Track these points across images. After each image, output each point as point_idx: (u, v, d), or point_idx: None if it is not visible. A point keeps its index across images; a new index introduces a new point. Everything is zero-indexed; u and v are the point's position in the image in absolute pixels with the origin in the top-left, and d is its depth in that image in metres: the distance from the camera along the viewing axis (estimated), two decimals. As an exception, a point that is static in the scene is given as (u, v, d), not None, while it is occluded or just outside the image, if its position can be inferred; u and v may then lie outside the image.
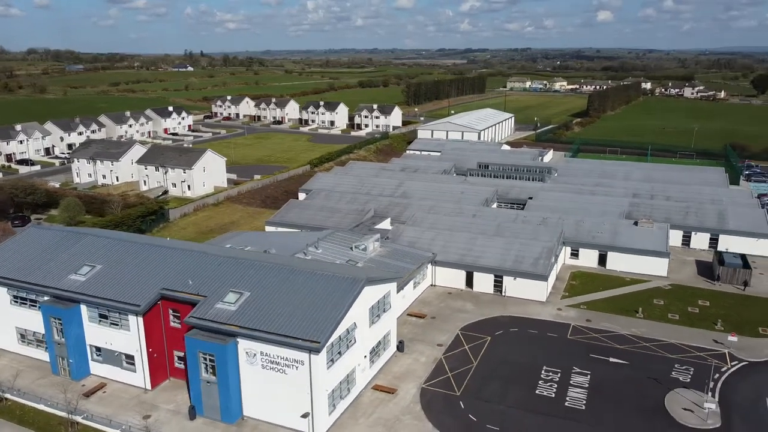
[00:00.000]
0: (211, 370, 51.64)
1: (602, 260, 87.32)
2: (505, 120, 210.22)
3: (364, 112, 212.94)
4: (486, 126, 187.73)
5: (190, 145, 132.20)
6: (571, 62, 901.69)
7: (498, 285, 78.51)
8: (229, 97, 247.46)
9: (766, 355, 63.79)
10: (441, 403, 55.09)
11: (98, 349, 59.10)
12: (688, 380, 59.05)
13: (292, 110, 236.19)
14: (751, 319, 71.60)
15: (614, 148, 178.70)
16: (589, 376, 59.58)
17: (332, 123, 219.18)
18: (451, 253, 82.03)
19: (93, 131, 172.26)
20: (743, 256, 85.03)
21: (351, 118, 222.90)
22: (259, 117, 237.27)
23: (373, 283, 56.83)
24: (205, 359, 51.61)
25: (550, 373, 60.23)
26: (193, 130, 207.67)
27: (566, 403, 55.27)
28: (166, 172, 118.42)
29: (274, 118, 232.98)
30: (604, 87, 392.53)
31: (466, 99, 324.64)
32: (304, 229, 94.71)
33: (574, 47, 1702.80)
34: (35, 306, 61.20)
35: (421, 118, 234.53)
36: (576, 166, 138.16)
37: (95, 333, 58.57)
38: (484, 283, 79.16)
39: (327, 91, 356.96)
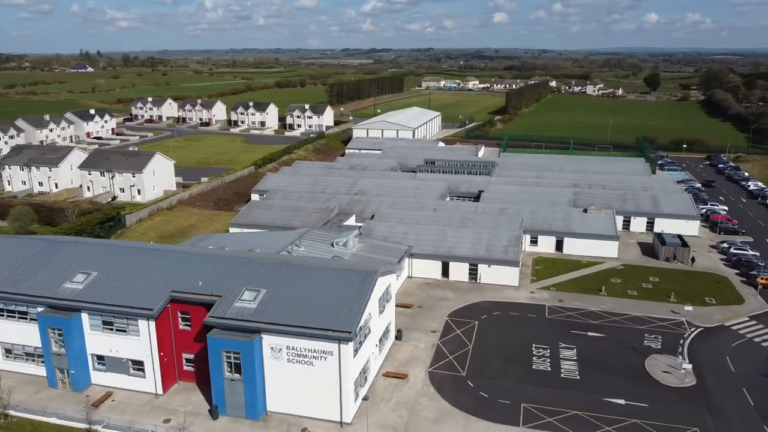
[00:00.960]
0: (235, 368, 52.13)
1: (559, 246, 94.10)
2: (434, 118, 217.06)
3: (296, 112, 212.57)
4: (419, 124, 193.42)
5: (136, 149, 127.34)
6: (474, 62, 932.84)
7: (473, 273, 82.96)
8: (150, 99, 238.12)
9: (717, 321, 72.15)
10: (451, 384, 58.46)
11: (100, 357, 57.64)
12: (660, 347, 65.93)
13: (219, 111, 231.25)
14: (697, 291, 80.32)
15: (539, 143, 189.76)
16: (575, 350, 65.07)
17: (263, 124, 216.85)
18: (425, 245, 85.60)
19: (11, 136, 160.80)
20: (680, 236, 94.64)
21: (281, 119, 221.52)
22: (184, 119, 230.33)
23: (382, 274, 59.26)
24: (229, 357, 52.02)
25: (541, 350, 65.22)
26: (117, 134, 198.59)
27: (562, 375, 60.32)
28: (112, 177, 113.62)
29: (201, 119, 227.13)
30: (514, 86, 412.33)
31: (386, 98, 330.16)
32: (270, 229, 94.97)
33: (474, 47, 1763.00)
34: (25, 318, 58.69)
35: (350, 118, 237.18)
36: (513, 160, 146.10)
37: (97, 341, 57.09)
38: (459, 272, 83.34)
39: (244, 91, 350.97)
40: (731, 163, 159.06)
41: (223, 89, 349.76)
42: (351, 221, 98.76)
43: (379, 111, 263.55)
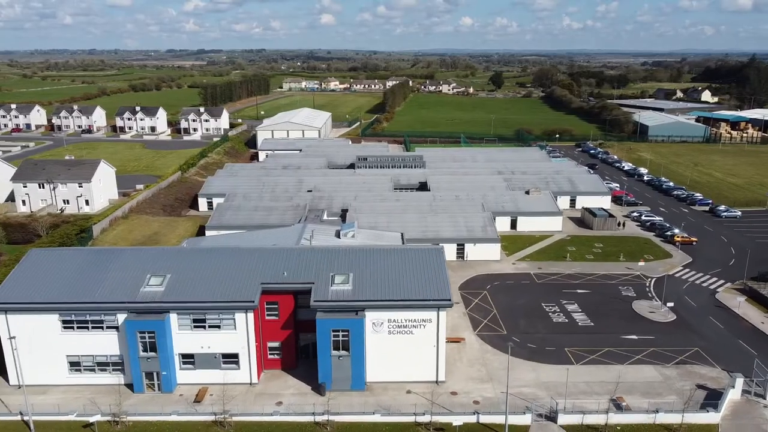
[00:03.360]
0: (342, 346, 56.98)
1: (513, 224, 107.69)
2: (327, 118, 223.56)
3: (192, 116, 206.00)
4: (320, 124, 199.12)
5: (72, 157, 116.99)
6: (315, 63, 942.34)
7: (460, 252, 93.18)
8: (14, 106, 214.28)
9: (661, 272, 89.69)
10: (501, 341, 68.07)
11: (188, 356, 58.72)
12: (634, 294, 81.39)
13: (100, 117, 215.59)
14: (634, 251, 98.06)
15: (433, 138, 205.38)
16: (576, 304, 78.12)
17: (153, 129, 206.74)
18: (411, 231, 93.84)
19: None
20: (605, 209, 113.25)
21: (173, 123, 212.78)
22: (59, 126, 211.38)
23: (437, 252, 67.04)
24: (337, 336, 56.76)
25: (550, 307, 77.34)
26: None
27: (579, 324, 72.83)
28: (54, 188, 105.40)
29: (80, 126, 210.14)
30: (372, 86, 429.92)
31: (256, 100, 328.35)
32: (248, 228, 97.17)
33: (305, 48, 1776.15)
34: (99, 327, 57.70)
35: (239, 120, 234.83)
36: (430, 154, 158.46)
37: (185, 340, 58.17)
38: (447, 252, 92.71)
39: (98, 96, 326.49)
40: (600, 149, 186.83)
41: (73, 94, 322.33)
42: (325, 216, 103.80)
43: (262, 113, 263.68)
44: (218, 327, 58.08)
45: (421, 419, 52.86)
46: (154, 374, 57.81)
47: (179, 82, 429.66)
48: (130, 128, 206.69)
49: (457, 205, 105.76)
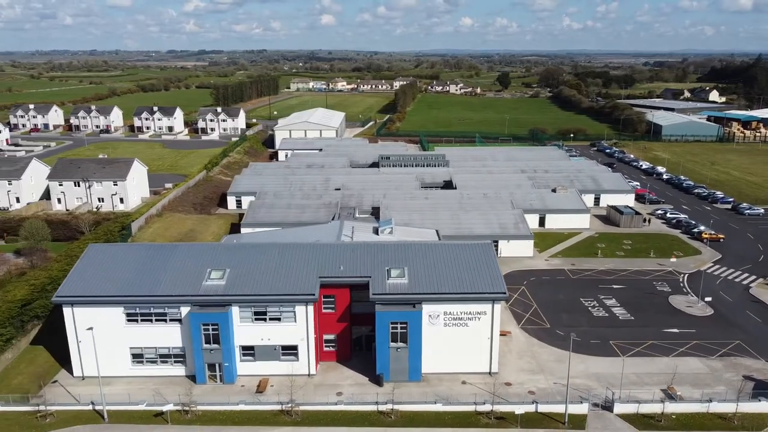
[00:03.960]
0: (400, 338, 58.48)
1: (542, 222, 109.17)
2: (342, 118, 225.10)
3: (209, 116, 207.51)
4: (337, 124, 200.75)
5: (105, 156, 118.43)
6: (318, 63, 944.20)
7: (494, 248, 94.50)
8: (32, 106, 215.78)
9: (693, 268, 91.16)
10: (546, 334, 69.64)
11: (248, 348, 60.20)
12: (669, 290, 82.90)
13: (117, 118, 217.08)
14: (663, 248, 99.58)
15: (448, 138, 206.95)
16: (614, 299, 79.62)
17: (170, 129, 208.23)
18: (445, 228, 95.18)
19: None
20: (630, 207, 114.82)
21: (189, 123, 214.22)
22: (77, 127, 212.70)
23: (484, 247, 68.56)
24: (395, 328, 58.26)
25: (588, 301, 78.86)
26: (13, 144, 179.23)
27: (620, 318, 74.33)
28: (89, 186, 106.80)
29: (98, 126, 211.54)
30: (379, 86, 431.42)
31: (267, 100, 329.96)
32: (282, 226, 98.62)
33: (306, 49, 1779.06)
34: (163, 320, 59.18)
35: (254, 120, 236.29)
36: (450, 153, 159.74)
37: (246, 333, 59.64)
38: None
39: (109, 96, 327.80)
40: (615, 149, 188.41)
41: (85, 94, 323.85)
42: (357, 214, 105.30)
43: (275, 113, 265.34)
44: (278, 320, 59.58)
45: (481, 408, 54.39)
46: (216, 366, 59.33)
47: (186, 83, 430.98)
48: (147, 128, 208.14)
49: (487, 203, 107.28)
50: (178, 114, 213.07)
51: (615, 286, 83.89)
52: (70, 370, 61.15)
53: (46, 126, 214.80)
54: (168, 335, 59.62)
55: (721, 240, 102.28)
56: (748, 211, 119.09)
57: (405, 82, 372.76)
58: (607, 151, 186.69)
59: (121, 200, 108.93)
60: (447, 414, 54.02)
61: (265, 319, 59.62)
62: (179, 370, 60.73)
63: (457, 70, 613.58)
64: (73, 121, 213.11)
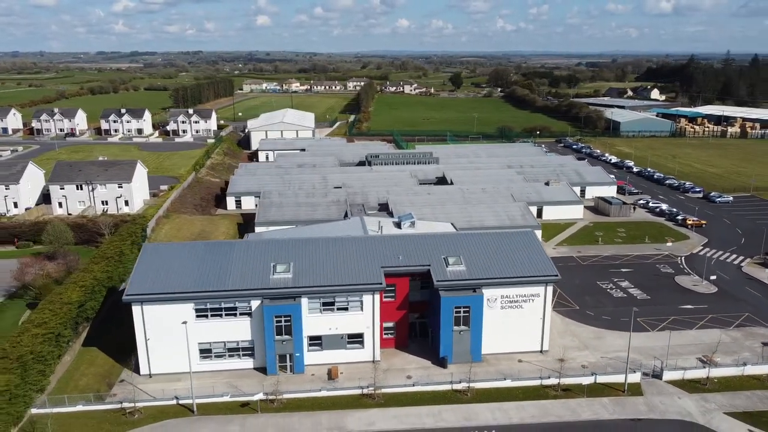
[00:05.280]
0: (463, 321, 62.00)
1: (539, 213, 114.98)
2: (314, 119, 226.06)
3: (181, 118, 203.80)
4: (312, 124, 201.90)
5: (105, 158, 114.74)
6: (262, 65, 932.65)
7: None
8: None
9: (687, 251, 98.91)
10: (578, 315, 74.71)
11: (315, 338, 62.26)
12: (672, 271, 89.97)
13: (82, 120, 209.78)
14: (654, 234, 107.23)
15: (420, 136, 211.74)
16: (627, 281, 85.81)
17: (140, 131, 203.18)
18: (457, 221, 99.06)
19: None
20: (618, 198, 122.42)
21: (158, 125, 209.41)
22: (39, 130, 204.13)
23: (522, 235, 73.02)
24: (458, 312, 61.73)
25: (605, 284, 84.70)
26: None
27: (638, 298, 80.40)
28: (92, 190, 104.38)
29: (62, 129, 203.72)
30: (334, 87, 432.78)
31: (224, 101, 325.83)
32: (295, 224, 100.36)
33: (244, 50, 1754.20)
34: (233, 314, 60.50)
35: (221, 121, 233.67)
36: (434, 151, 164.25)
37: (314, 323, 61.71)
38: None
39: (57, 99, 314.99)
40: (581, 144, 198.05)
41: (32, 97, 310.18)
42: (366, 210, 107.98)
43: (240, 114, 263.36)
44: (346, 309, 61.95)
45: (546, 382, 58.66)
46: (287, 356, 61.15)
47: (133, 84, 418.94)
48: (116, 131, 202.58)
49: (489, 197, 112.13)
50: (147, 116, 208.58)
51: (624, 270, 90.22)
52: (133, 369, 61.53)
53: (4, 130, 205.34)
54: (237, 329, 60.94)
55: (704, 225, 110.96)
56: (718, 199, 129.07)
57: (360, 83, 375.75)
58: (574, 147, 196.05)
59: (126, 203, 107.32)
60: (517, 389, 57.98)
61: (333, 309, 61.87)
62: (247, 363, 62.12)
63: (404, 71, 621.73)
64: (35, 124, 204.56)
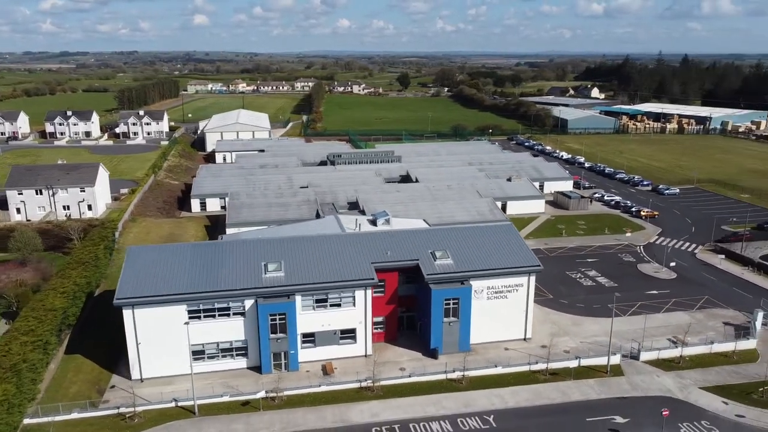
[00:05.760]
0: (452, 313, 63.98)
1: (503, 208, 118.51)
2: (265, 119, 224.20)
3: (132, 119, 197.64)
4: (268, 125, 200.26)
5: (64, 161, 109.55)
6: (203, 65, 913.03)
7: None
8: None
9: (644, 240, 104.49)
10: (554, 304, 77.98)
11: (309, 335, 62.91)
12: (634, 259, 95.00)
13: (24, 123, 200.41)
14: (612, 225, 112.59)
15: (376, 136, 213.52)
16: (594, 271, 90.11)
17: (88, 134, 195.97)
18: (428, 217, 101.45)
19: None
20: (576, 192, 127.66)
21: (106, 127, 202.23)
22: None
23: (500, 229, 75.71)
24: (448, 304, 63.69)
25: (574, 274, 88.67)
26: None
27: (606, 286, 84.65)
28: (53, 194, 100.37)
29: (2, 133, 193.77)
30: (281, 87, 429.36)
31: (169, 102, 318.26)
32: (269, 224, 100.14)
33: (181, 50, 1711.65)
34: (226, 314, 60.46)
35: (172, 123, 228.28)
36: (395, 150, 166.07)
37: (307, 320, 62.34)
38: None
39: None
40: (533, 141, 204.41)
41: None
42: (338, 209, 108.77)
43: (189, 115, 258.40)
44: (339, 305, 62.89)
45: (534, 368, 61.43)
46: (282, 354, 61.57)
47: (71, 86, 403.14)
48: (62, 134, 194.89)
49: (457, 193, 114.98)
50: (95, 118, 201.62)
51: (590, 260, 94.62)
52: (122, 374, 60.59)
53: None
54: (230, 329, 60.94)
55: (656, 216, 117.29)
56: (666, 192, 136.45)
57: (307, 84, 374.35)
58: (526, 144, 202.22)
59: (89, 207, 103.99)
60: (508, 375, 60.48)
61: (326, 306, 62.68)
62: (241, 363, 62.19)
63: (350, 71, 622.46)
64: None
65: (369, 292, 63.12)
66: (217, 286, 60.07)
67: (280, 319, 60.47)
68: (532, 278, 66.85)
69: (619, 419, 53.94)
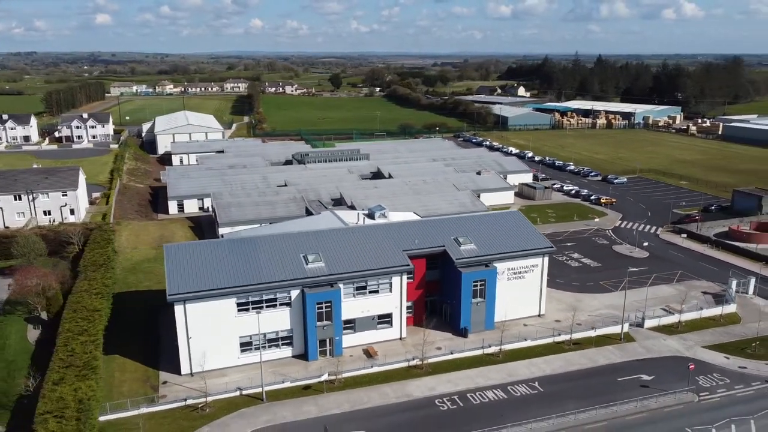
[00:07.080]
0: (479, 294, 68.92)
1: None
2: (213, 120, 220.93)
3: (76, 123, 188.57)
4: (219, 126, 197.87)
5: (39, 165, 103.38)
6: (115, 66, 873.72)
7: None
8: None
9: (610, 225, 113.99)
10: (553, 284, 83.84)
11: (349, 321, 65.90)
12: (607, 242, 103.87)
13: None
14: (579, 212, 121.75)
15: (327, 135, 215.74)
16: (577, 253, 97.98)
17: (27, 138, 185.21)
18: (416, 210, 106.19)
19: None
20: (540, 183, 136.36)
21: (47, 131, 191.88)
22: None
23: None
24: (476, 286, 68.59)
25: (560, 257, 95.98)
26: None
27: (592, 266, 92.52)
28: (33, 199, 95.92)
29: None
30: (209, 89, 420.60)
31: (97, 105, 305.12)
32: (260, 223, 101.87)
33: (84, 50, 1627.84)
34: (273, 305, 62.41)
35: (113, 126, 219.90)
36: (364, 147, 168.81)
37: (348, 307, 65.31)
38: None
39: None
40: (480, 138, 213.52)
41: None
42: (325, 205, 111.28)
43: (128, 118, 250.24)
44: (377, 292, 66.30)
45: (558, 339, 67.47)
46: (327, 341, 64.24)
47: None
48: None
49: (434, 187, 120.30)
50: (34, 122, 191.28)
51: (569, 244, 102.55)
52: (169, 370, 61.26)
53: None
54: (277, 319, 62.91)
55: (614, 203, 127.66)
56: (615, 181, 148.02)
57: (237, 85, 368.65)
58: (474, 141, 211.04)
59: (72, 211, 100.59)
60: (538, 347, 66.15)
61: (365, 293, 65.90)
62: (286, 352, 64.29)
63: (275, 72, 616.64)
64: None
65: (404, 278, 66.91)
66: (263, 279, 61.90)
67: (326, 307, 63.13)
68: (546, 259, 72.97)
69: (645, 377, 60.79)
